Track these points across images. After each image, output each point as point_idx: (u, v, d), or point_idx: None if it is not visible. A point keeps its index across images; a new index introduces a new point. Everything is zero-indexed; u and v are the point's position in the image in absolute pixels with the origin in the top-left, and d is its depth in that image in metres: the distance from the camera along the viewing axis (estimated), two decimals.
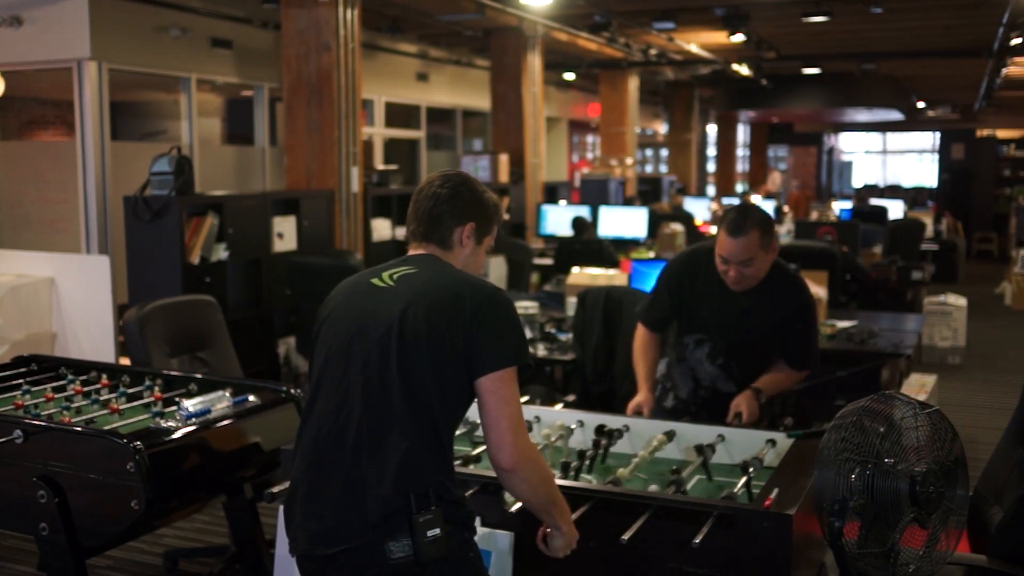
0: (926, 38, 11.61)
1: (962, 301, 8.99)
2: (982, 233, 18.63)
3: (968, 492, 2.48)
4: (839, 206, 13.39)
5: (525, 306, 5.32)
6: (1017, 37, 10.04)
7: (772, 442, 3.04)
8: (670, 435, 3.13)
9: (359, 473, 2.15)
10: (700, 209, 12.32)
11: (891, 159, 24.69)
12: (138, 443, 2.96)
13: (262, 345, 6.44)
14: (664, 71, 14.26)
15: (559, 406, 3.55)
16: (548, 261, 8.94)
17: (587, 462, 2.98)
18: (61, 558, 3.09)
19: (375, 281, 2.31)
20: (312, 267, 6.43)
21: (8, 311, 5.36)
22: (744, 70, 13.29)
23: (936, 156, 22.14)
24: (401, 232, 8.06)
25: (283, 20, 7.19)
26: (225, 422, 3.33)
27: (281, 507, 2.41)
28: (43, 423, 3.21)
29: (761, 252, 3.36)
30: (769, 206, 11.30)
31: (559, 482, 2.40)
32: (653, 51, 11.99)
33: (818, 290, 5.29)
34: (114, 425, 3.25)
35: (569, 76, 13.67)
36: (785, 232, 10.23)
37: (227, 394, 3.45)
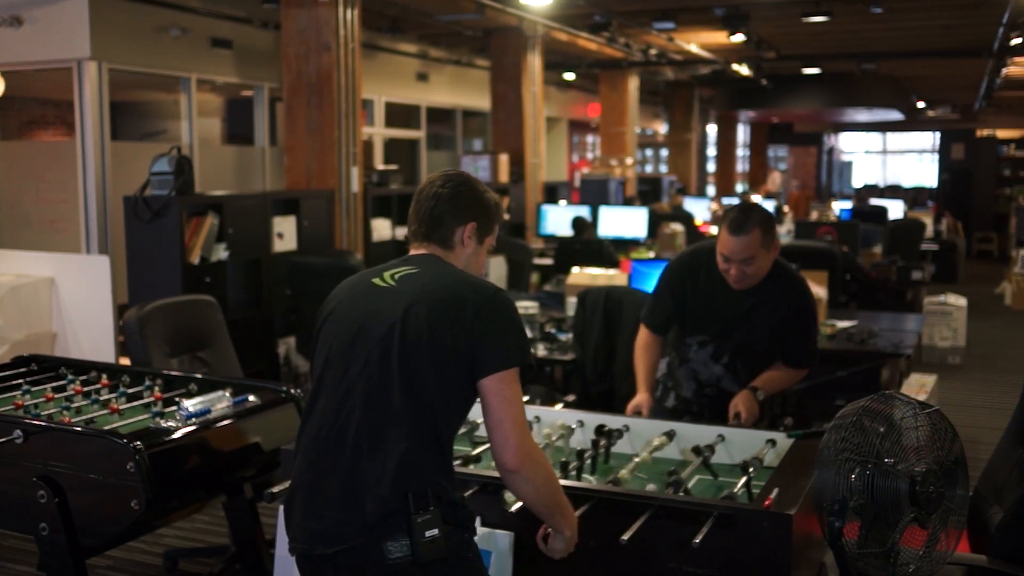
0: (926, 38, 11.61)
1: (962, 301, 8.99)
2: (982, 233, 18.63)
3: (968, 492, 2.48)
4: (839, 206, 13.39)
5: (525, 306, 5.32)
6: (1017, 37, 10.04)
7: (772, 442, 3.04)
8: (670, 435, 3.13)
9: (359, 473, 2.15)
10: (700, 209, 12.32)
11: (891, 159, 24.70)
12: (138, 443, 2.96)
13: (262, 345, 6.44)
14: (664, 71, 14.25)
15: (559, 406, 3.55)
16: (548, 261, 8.93)
17: (588, 462, 2.98)
18: (61, 558, 3.09)
19: (376, 281, 2.31)
20: (312, 267, 6.43)
21: (8, 311, 5.36)
22: (744, 70, 13.28)
23: (936, 156, 22.13)
24: (401, 232, 8.06)
25: (283, 20, 7.19)
26: (225, 422, 3.33)
27: (281, 507, 2.41)
28: (43, 423, 3.21)
29: (762, 251, 3.37)
30: (769, 206, 11.27)
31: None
32: (653, 51, 11.98)
33: (818, 290, 5.29)
34: (114, 425, 3.25)
35: (569, 76, 13.66)
36: (785, 232, 10.21)
37: (227, 394, 3.46)
